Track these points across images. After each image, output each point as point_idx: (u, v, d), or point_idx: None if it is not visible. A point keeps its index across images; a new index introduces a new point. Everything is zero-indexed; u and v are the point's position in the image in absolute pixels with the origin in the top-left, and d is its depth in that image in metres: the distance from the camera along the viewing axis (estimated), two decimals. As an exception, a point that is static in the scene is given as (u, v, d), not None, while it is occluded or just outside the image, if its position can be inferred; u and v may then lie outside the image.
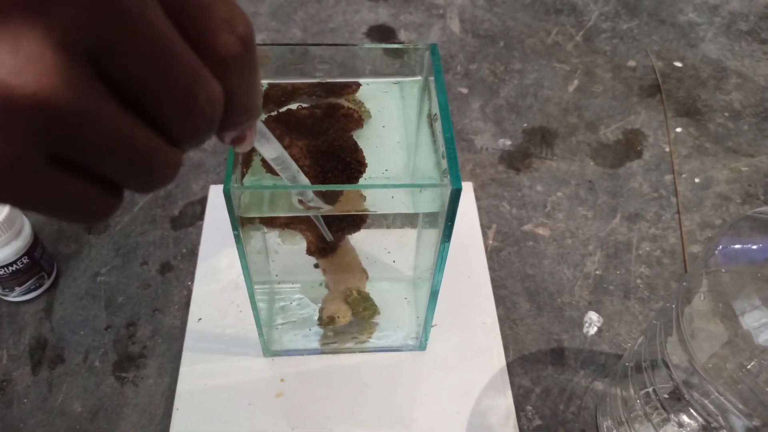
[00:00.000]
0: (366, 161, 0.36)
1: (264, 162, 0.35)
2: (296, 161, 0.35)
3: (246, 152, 0.35)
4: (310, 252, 0.40)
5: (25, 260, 0.47)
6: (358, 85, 0.39)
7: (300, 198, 0.33)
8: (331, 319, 0.43)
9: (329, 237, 0.38)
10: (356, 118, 0.38)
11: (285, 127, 0.36)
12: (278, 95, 0.38)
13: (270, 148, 0.27)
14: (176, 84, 0.16)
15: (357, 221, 0.39)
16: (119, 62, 0.15)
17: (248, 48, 0.18)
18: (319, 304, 0.45)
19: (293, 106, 0.38)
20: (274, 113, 0.37)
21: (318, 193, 0.35)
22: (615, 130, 0.65)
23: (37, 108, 0.14)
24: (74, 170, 0.16)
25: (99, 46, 0.15)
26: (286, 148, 0.35)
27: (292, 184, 0.31)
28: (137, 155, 0.16)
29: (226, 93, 0.18)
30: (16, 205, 0.16)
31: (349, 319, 0.44)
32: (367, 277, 0.44)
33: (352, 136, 0.37)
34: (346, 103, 0.39)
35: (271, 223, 0.39)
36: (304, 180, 0.31)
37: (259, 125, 0.24)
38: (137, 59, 0.15)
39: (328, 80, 0.39)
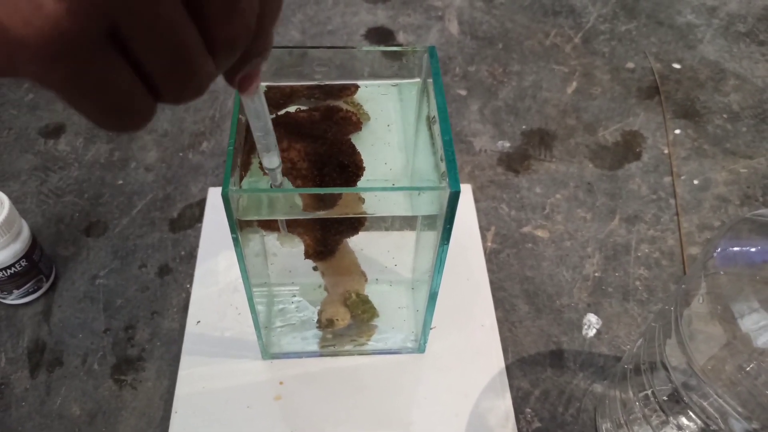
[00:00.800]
0: (364, 164, 0.36)
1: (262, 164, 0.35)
2: (294, 164, 0.35)
3: (245, 155, 0.35)
4: (308, 255, 0.40)
5: (23, 263, 0.47)
6: (357, 87, 0.39)
7: (265, 168, 0.32)
8: (330, 322, 0.43)
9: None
10: (354, 121, 0.38)
11: (284, 130, 0.36)
12: (276, 98, 0.38)
13: (252, 108, 0.27)
14: None
15: (355, 224, 0.39)
16: None
17: None
18: (318, 307, 0.45)
19: (291, 109, 0.38)
20: (272, 116, 0.37)
21: (316, 197, 0.35)
22: (614, 132, 0.65)
23: None
24: (126, 56, 0.16)
25: None
26: (283, 150, 0.35)
27: (264, 156, 0.31)
28: (182, 49, 0.17)
29: (260, 6, 0.19)
30: (68, 87, 0.16)
31: (348, 321, 0.44)
32: (366, 280, 0.44)
33: (350, 139, 0.37)
34: (344, 106, 0.38)
35: (269, 226, 0.39)
36: (273, 141, 0.31)
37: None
38: None
39: (327, 83, 0.39)
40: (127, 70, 0.17)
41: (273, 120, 0.37)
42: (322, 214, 0.36)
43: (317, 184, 0.35)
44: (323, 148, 0.35)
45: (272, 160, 0.31)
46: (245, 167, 0.35)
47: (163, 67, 0.17)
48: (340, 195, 0.35)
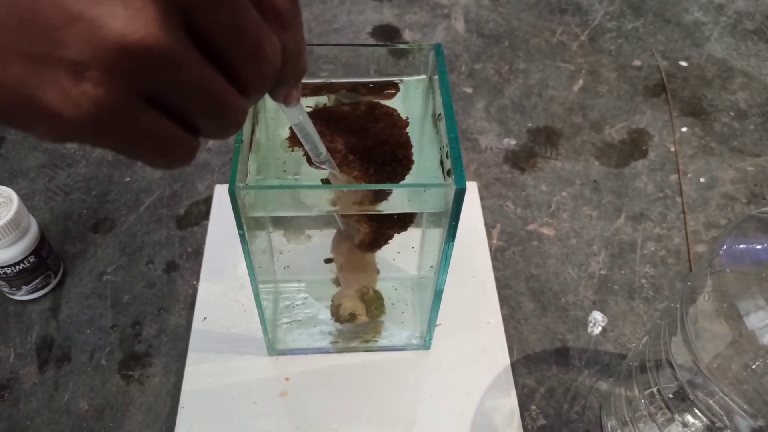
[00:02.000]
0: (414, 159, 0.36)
1: (293, 138, 0.35)
2: (344, 156, 0.35)
3: (250, 152, 0.35)
4: (362, 244, 0.39)
5: (31, 259, 0.48)
6: (398, 89, 0.39)
7: (317, 161, 0.33)
8: (353, 317, 0.43)
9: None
10: (397, 116, 0.38)
11: (325, 123, 0.36)
12: (310, 89, 0.38)
13: (293, 115, 0.29)
14: (249, 36, 0.19)
15: (406, 221, 0.38)
16: (204, 17, 0.18)
17: (296, 4, 0.22)
18: (325, 303, 0.45)
19: (323, 99, 0.38)
20: (310, 109, 0.37)
21: (368, 192, 0.35)
22: (620, 130, 0.65)
23: (143, 51, 0.17)
24: (164, 112, 0.19)
25: (189, 3, 0.18)
26: (330, 143, 0.35)
27: (312, 153, 0.32)
28: (214, 99, 0.19)
29: (282, 46, 0.21)
30: (119, 146, 0.19)
31: (365, 318, 0.44)
32: (378, 276, 0.44)
33: (407, 132, 0.37)
34: (383, 102, 0.38)
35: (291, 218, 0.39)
36: (324, 151, 0.33)
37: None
38: (218, 15, 0.18)
39: (365, 80, 0.39)
40: (167, 123, 0.20)
41: (311, 112, 0.37)
42: (333, 211, 0.36)
43: (370, 176, 0.35)
44: (369, 142, 0.36)
45: (320, 156, 0.33)
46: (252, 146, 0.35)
47: (199, 116, 0.20)
48: (389, 190, 0.35)
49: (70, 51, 0.17)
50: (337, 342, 0.47)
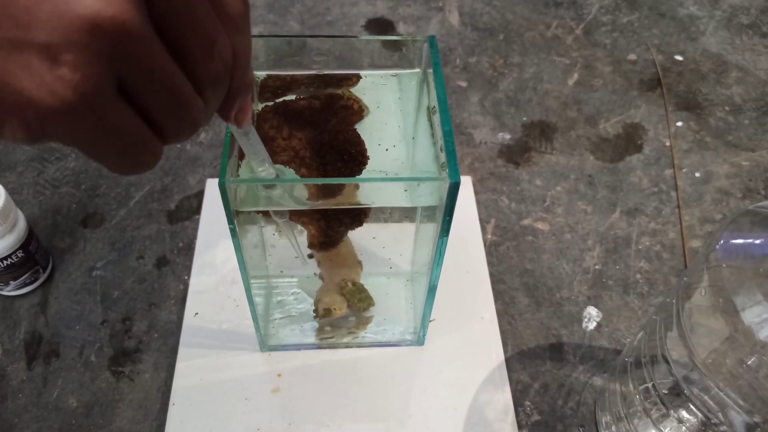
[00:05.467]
0: (368, 154, 0.35)
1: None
2: (297, 153, 0.35)
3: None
4: (312, 245, 0.39)
5: (19, 254, 0.47)
6: (359, 77, 0.39)
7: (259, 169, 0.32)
8: (328, 311, 0.43)
9: (300, 254, 0.39)
10: (356, 110, 0.37)
11: (283, 118, 0.36)
12: (276, 86, 0.38)
13: (248, 143, 0.29)
14: (203, 28, 0.19)
15: (360, 216, 0.38)
16: (163, 4, 0.18)
17: (247, 9, 0.22)
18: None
19: (290, 97, 0.38)
20: (271, 103, 0.37)
21: (317, 187, 0.35)
22: (615, 124, 0.65)
23: (117, 29, 0.17)
24: (133, 105, 0.19)
25: None
26: (284, 139, 0.35)
27: (260, 173, 0.32)
28: (173, 90, 0.19)
29: (233, 49, 0.21)
30: (89, 141, 0.19)
31: (345, 311, 0.44)
32: (362, 268, 0.43)
33: (355, 128, 0.36)
34: (346, 94, 0.38)
35: (270, 215, 0.39)
36: (274, 173, 0.32)
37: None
38: (177, 4, 0.18)
39: (327, 72, 0.39)
40: (134, 117, 0.19)
41: (272, 107, 0.36)
42: (321, 204, 0.35)
43: (321, 173, 0.34)
44: (326, 137, 0.35)
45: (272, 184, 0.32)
46: (242, 155, 0.35)
47: (161, 107, 0.20)
48: (342, 185, 0.34)
49: (41, 33, 0.16)
50: (329, 337, 0.47)
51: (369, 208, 0.38)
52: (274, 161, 0.34)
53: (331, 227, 0.38)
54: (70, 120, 0.18)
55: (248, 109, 0.25)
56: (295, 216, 0.38)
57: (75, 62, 0.17)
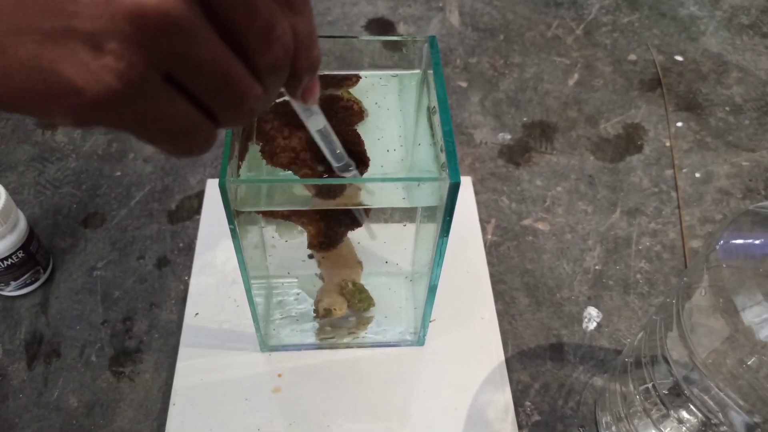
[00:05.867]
0: (369, 155, 0.35)
1: (264, 153, 0.35)
2: (297, 154, 0.35)
3: (242, 143, 0.35)
4: (311, 246, 0.39)
5: (20, 254, 0.47)
6: (358, 77, 0.39)
7: (337, 168, 0.33)
8: (328, 312, 0.43)
9: (363, 219, 0.38)
10: (357, 111, 0.37)
11: (284, 119, 0.36)
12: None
13: (314, 121, 0.29)
14: (260, 15, 0.19)
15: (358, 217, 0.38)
16: None
17: None
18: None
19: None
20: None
21: (318, 188, 0.35)
22: (615, 125, 0.65)
23: (160, 19, 0.17)
24: (182, 92, 0.19)
25: None
26: (285, 138, 0.35)
27: (334, 161, 0.32)
28: (228, 79, 0.19)
29: (293, 32, 0.21)
30: (138, 127, 0.19)
31: (345, 311, 0.44)
32: (362, 269, 0.43)
33: (355, 129, 0.36)
34: (345, 95, 0.38)
35: (271, 215, 0.39)
36: (344, 155, 0.32)
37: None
38: None
39: (327, 72, 0.39)
40: (185, 103, 0.19)
41: (272, 108, 0.36)
42: (322, 205, 0.35)
43: (321, 174, 0.34)
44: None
45: (341, 162, 0.32)
46: (242, 156, 0.35)
47: (214, 97, 0.20)
48: (344, 186, 0.34)
49: (86, 22, 0.17)
50: (330, 338, 0.47)
51: (369, 209, 0.38)
52: (274, 162, 0.34)
53: (330, 228, 0.38)
54: (117, 108, 0.18)
55: (315, 88, 0.25)
56: (295, 217, 0.38)
57: (119, 51, 0.17)
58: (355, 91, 0.39)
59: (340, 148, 0.32)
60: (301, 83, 0.23)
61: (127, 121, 0.19)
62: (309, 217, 0.38)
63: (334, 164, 0.32)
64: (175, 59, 0.18)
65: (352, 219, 0.38)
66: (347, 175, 0.33)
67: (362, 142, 0.36)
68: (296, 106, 0.27)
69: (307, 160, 0.34)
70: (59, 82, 0.17)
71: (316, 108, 0.28)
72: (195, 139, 0.20)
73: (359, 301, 0.44)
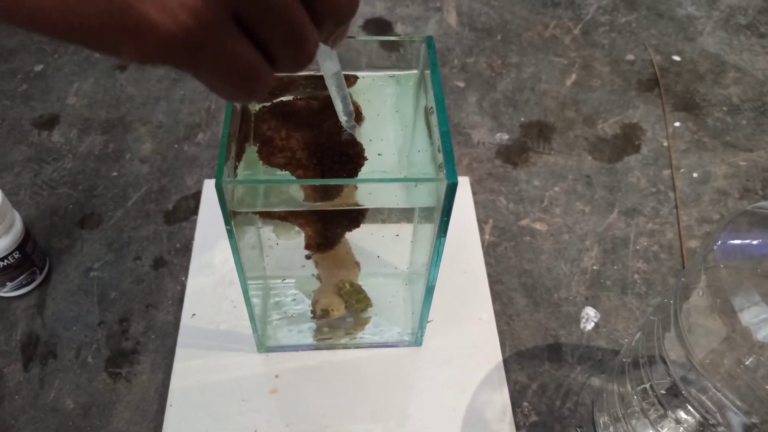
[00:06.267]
0: (365, 155, 0.35)
1: (261, 154, 0.34)
2: (294, 154, 0.35)
3: (239, 143, 0.35)
4: (308, 247, 0.39)
5: (16, 255, 0.47)
6: (356, 78, 0.39)
7: (346, 122, 0.34)
8: (326, 312, 0.43)
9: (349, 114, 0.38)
10: (355, 113, 0.37)
11: (281, 118, 0.36)
12: (273, 87, 0.38)
13: (332, 64, 0.30)
14: None
15: (357, 217, 0.38)
16: None
17: None
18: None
19: (288, 98, 0.37)
20: (268, 104, 0.37)
21: (316, 188, 0.35)
22: (613, 125, 0.65)
23: None
24: (248, 35, 0.20)
25: None
26: (282, 139, 0.34)
27: (343, 107, 0.33)
28: (294, 25, 0.20)
29: None
30: (205, 67, 0.20)
31: (342, 311, 0.43)
32: (360, 269, 0.43)
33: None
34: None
35: (268, 216, 0.39)
36: (353, 113, 0.33)
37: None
38: None
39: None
40: (250, 45, 0.20)
41: (270, 108, 0.36)
42: (319, 205, 0.35)
43: (317, 174, 0.34)
44: (323, 138, 0.35)
45: (347, 111, 0.33)
46: (239, 157, 0.35)
47: (279, 40, 0.20)
48: (341, 186, 0.34)
49: None
50: (327, 338, 0.47)
51: (366, 210, 0.38)
52: (271, 163, 0.34)
53: (328, 229, 0.38)
54: (188, 46, 0.19)
55: (346, 33, 0.26)
56: (292, 218, 0.38)
57: None
58: (353, 92, 0.38)
59: (349, 102, 0.33)
60: (339, 29, 0.25)
61: (194, 61, 0.19)
62: (306, 218, 0.38)
63: (343, 117, 0.33)
64: (247, 3, 0.19)
65: (350, 220, 0.38)
66: (353, 131, 0.34)
67: (358, 142, 0.35)
68: (320, 51, 0.28)
69: (303, 160, 0.34)
70: (136, 17, 0.18)
71: (335, 53, 0.29)
72: (255, 83, 0.21)
73: (357, 301, 0.44)
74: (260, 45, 0.20)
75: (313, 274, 0.43)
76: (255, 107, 0.37)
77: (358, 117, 0.37)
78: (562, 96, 0.67)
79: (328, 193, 0.34)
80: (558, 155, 0.62)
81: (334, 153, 0.35)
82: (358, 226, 0.38)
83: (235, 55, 0.20)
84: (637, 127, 0.65)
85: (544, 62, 0.71)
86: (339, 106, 0.33)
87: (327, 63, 0.30)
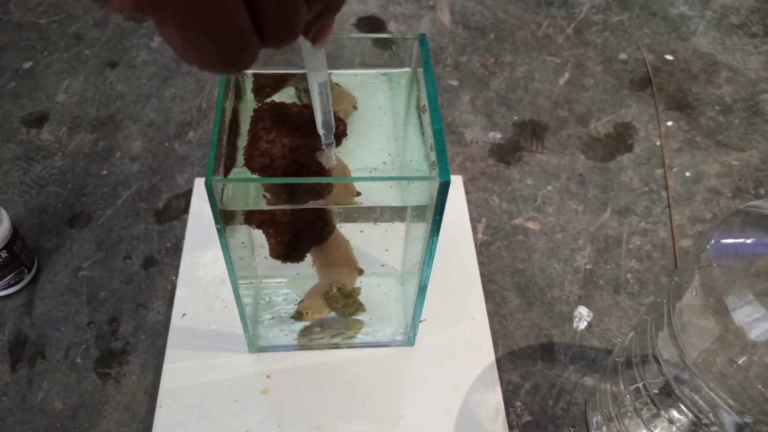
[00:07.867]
0: (331, 186, 0.35)
1: (245, 153, 0.34)
2: (272, 160, 0.34)
3: (230, 144, 0.34)
4: (273, 256, 0.39)
5: (4, 254, 0.46)
6: (338, 84, 0.38)
7: (324, 134, 0.33)
8: (299, 315, 0.43)
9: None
10: (338, 132, 0.37)
11: (275, 121, 0.35)
12: (265, 84, 0.37)
13: (320, 74, 0.29)
14: None
15: (322, 232, 0.38)
16: None
17: None
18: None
19: (278, 98, 0.37)
20: (269, 100, 0.36)
21: (286, 193, 0.34)
22: (606, 124, 0.65)
23: None
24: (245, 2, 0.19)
25: None
26: (267, 142, 0.34)
27: (323, 120, 0.32)
28: None
29: None
30: (198, 25, 0.19)
31: (318, 316, 0.43)
32: (360, 273, 0.43)
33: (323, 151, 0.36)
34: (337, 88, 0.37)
35: (247, 221, 0.38)
36: (333, 124, 0.32)
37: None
38: None
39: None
40: (244, 9, 0.20)
41: (268, 107, 0.36)
42: (311, 205, 0.35)
43: (284, 191, 0.34)
44: (300, 154, 0.35)
45: (327, 125, 0.32)
46: (231, 158, 0.34)
47: (272, 8, 0.20)
48: (309, 194, 0.34)
49: None
50: (319, 339, 0.47)
51: (333, 225, 0.37)
52: (249, 165, 0.34)
53: (295, 241, 0.38)
54: None
55: (329, 29, 0.26)
56: (264, 227, 0.37)
57: None
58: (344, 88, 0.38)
59: (330, 116, 0.32)
60: (325, 17, 0.24)
61: (189, 11, 0.19)
62: (273, 227, 0.37)
63: (321, 130, 0.32)
64: None
65: (316, 234, 0.38)
66: (326, 149, 0.33)
67: (324, 168, 0.35)
68: (305, 52, 0.28)
69: (279, 169, 0.34)
70: None
71: (322, 56, 0.29)
72: (242, 52, 0.21)
73: (343, 306, 0.43)
74: (253, 13, 0.20)
75: (298, 273, 0.43)
76: (254, 103, 0.36)
77: (341, 135, 0.37)
78: (555, 95, 0.67)
79: (294, 197, 0.34)
80: (551, 154, 0.62)
81: (307, 173, 0.34)
82: (324, 241, 0.38)
83: (230, 16, 0.19)
84: (629, 127, 0.65)
85: (538, 61, 0.71)
86: (319, 118, 0.32)
87: (314, 73, 0.29)
